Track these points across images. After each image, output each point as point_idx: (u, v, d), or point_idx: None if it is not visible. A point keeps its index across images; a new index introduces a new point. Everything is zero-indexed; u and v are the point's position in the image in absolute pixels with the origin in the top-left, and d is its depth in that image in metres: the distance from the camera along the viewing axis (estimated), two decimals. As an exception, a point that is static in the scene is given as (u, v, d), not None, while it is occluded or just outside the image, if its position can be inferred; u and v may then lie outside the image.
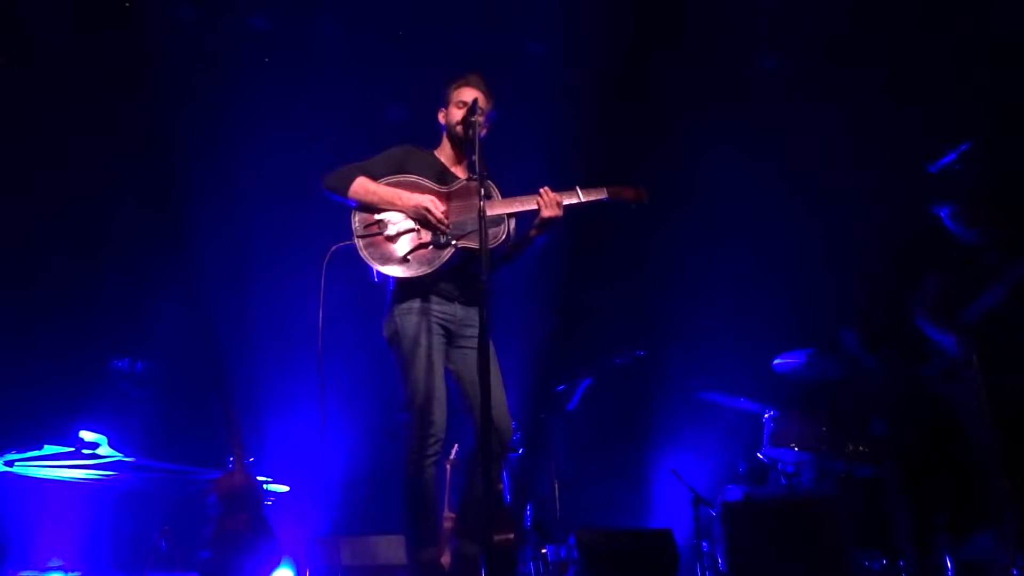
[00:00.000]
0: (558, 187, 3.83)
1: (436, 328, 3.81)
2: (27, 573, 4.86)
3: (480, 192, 3.51)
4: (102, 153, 5.82)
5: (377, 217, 3.82)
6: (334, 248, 3.82)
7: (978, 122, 5.11)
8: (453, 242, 3.78)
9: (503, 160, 3.90)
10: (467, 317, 3.87)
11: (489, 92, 3.97)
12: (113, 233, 5.92)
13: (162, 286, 5.89)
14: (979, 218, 4.72)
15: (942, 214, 4.85)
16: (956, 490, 4.62)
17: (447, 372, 3.86)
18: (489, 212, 3.60)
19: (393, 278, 3.81)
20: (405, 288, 3.82)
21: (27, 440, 5.07)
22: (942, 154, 4.72)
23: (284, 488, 5.60)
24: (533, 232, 3.89)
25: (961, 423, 4.51)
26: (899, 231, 5.54)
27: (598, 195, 3.88)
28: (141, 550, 4.83)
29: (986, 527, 4.39)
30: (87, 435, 5.13)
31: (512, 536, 4.70)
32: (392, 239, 3.81)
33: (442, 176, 3.95)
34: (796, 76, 6.01)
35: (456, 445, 5.16)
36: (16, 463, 5.00)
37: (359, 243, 3.80)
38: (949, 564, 4.53)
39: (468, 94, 3.93)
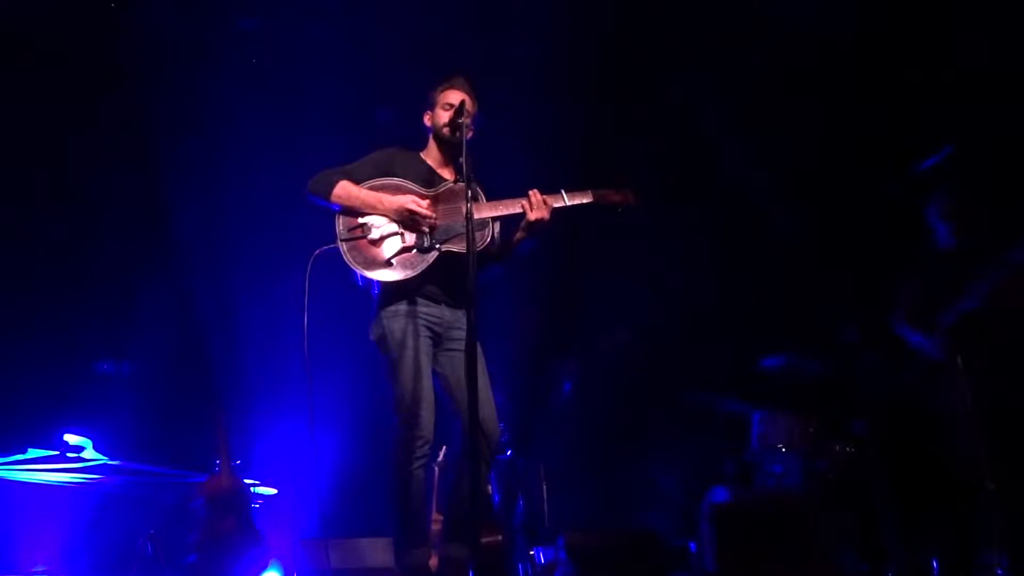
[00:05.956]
0: (543, 190, 3.82)
1: (423, 330, 3.80)
2: (11, 578, 4.84)
3: (467, 194, 3.49)
4: (88, 154, 5.79)
5: (360, 220, 3.80)
6: (318, 252, 3.80)
7: (968, 122, 5.12)
8: (437, 246, 3.77)
9: (487, 163, 3.89)
10: (454, 319, 3.86)
11: (475, 94, 3.96)
12: (99, 234, 5.89)
13: (148, 288, 5.86)
14: (963, 218, 4.72)
15: (926, 213, 4.85)
16: (941, 492, 4.62)
17: (434, 375, 3.85)
18: (475, 215, 3.59)
19: (378, 281, 3.79)
20: (391, 291, 3.81)
21: (11, 444, 5.04)
22: (930, 153, 4.73)
23: (272, 491, 5.58)
24: (519, 235, 3.87)
25: (945, 425, 4.52)
26: (884, 230, 5.55)
27: (583, 198, 3.86)
28: (127, 554, 4.80)
29: (971, 529, 4.40)
30: (72, 438, 5.11)
31: (500, 538, 4.69)
32: (376, 243, 3.79)
33: (428, 179, 3.93)
34: (786, 73, 5.99)
35: (444, 447, 5.16)
36: (0, 467, 4.98)
37: (343, 247, 3.78)
38: (935, 565, 4.54)
39: (454, 96, 3.93)
